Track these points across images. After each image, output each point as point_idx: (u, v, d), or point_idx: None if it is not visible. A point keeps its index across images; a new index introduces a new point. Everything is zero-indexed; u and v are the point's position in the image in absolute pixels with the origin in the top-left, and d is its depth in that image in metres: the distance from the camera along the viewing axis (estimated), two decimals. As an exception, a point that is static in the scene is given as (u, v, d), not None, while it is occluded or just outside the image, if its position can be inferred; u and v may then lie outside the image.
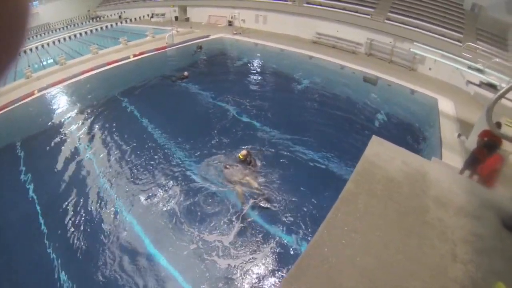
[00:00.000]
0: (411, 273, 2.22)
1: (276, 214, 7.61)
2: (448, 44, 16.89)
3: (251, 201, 7.95)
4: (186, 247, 6.85)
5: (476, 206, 3.03)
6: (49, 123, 13.17)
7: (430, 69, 17.50)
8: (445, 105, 13.26)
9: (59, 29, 40.71)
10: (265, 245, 6.84)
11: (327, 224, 2.54)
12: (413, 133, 11.63)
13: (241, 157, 9.16)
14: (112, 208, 8.20)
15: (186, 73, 17.13)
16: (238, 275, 6.22)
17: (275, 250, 6.72)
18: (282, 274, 6.17)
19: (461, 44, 16.43)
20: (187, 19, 33.35)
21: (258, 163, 9.34)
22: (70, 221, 7.86)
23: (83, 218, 7.93)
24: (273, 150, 10.23)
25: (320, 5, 23.82)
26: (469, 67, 11.21)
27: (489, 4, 16.37)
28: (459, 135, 10.76)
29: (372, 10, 21.37)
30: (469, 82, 10.81)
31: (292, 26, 25.47)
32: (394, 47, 19.20)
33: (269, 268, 6.35)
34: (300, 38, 24.55)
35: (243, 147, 9.89)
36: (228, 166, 8.97)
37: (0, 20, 0.40)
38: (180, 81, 16.74)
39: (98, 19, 45.45)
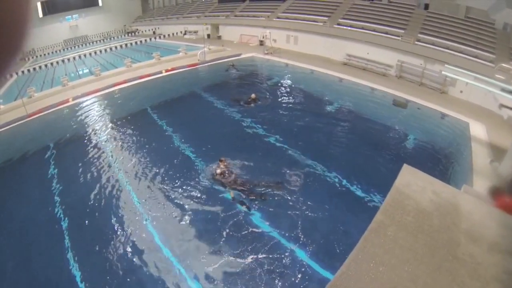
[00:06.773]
0: (440, 312, 2.18)
1: (303, 239, 7.52)
2: (480, 66, 16.33)
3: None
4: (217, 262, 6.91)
5: (511, 242, 2.93)
6: (81, 130, 13.88)
7: (461, 91, 17.01)
8: (477, 130, 12.83)
9: (96, 41, 42.69)
10: (290, 271, 6.74)
11: (355, 255, 2.52)
12: (443, 158, 11.29)
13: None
14: (136, 217, 8.48)
15: (253, 95, 15.93)
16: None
17: (299, 274, 6.63)
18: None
19: (493, 65, 15.93)
20: (219, 37, 34.29)
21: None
22: (92, 225, 8.25)
23: (105, 222, 8.27)
24: (300, 174, 10.07)
25: (351, 26, 23.84)
26: (502, 90, 10.80)
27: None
28: (491, 161, 10.39)
29: (402, 31, 21.15)
30: (502, 105, 10.42)
31: (323, 47, 25.53)
32: (424, 69, 18.83)
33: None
34: (331, 59, 24.51)
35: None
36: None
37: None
38: (247, 105, 15.65)
39: (133, 33, 47.44)
